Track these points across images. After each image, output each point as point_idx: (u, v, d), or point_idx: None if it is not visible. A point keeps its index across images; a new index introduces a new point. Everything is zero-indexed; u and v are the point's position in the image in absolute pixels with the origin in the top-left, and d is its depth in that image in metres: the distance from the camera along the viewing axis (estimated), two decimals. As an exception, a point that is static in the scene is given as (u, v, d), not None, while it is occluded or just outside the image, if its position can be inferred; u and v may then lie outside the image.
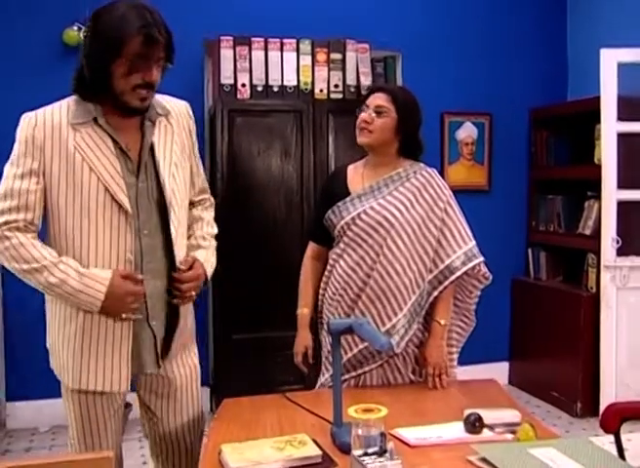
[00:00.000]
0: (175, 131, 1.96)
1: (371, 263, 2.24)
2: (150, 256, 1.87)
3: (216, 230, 2.12)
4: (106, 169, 1.80)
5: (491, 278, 2.34)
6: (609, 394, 3.86)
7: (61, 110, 1.82)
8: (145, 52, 1.74)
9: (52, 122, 1.79)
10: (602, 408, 3.80)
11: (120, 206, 1.80)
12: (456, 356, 2.43)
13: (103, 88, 1.78)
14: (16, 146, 1.80)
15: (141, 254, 1.85)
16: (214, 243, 2.09)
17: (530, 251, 4.60)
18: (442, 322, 2.30)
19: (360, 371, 2.31)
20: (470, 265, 2.27)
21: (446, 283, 2.27)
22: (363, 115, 2.27)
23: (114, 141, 1.83)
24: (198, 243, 2.03)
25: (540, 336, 4.39)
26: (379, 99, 2.27)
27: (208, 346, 4.12)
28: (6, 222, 1.76)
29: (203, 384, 4.21)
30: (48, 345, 1.93)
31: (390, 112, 2.25)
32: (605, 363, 3.87)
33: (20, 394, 3.83)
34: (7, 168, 1.80)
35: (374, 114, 2.25)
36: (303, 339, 2.45)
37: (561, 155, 4.49)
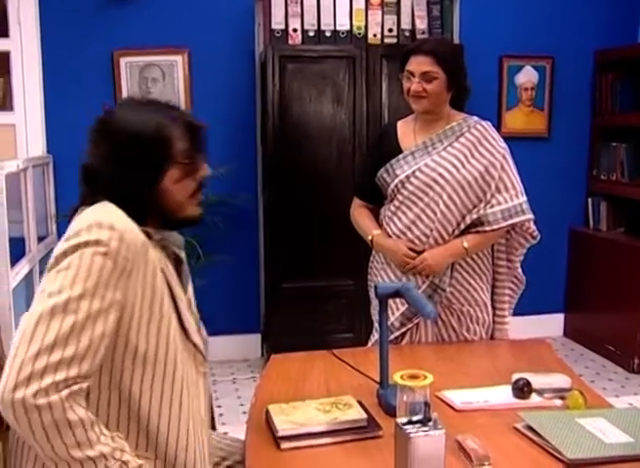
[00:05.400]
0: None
1: (428, 222, 2.20)
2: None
3: None
4: (182, 299, 1.44)
5: (539, 237, 2.28)
6: (667, 350, 3.76)
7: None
8: (194, 145, 1.42)
9: (138, 235, 1.32)
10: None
11: (195, 346, 1.45)
12: (508, 318, 2.38)
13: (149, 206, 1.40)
14: (85, 268, 1.23)
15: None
16: None
17: (590, 200, 4.44)
18: (465, 244, 2.20)
19: (416, 321, 2.27)
20: (515, 220, 2.20)
21: (486, 228, 2.18)
22: (414, 87, 2.17)
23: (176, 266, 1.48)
24: None
25: (598, 289, 4.28)
26: (423, 65, 2.15)
27: (259, 294, 4.17)
28: (65, 382, 1.18)
29: (254, 331, 4.31)
30: None
31: (439, 74, 2.15)
32: (664, 318, 3.76)
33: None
34: (68, 295, 1.21)
35: (423, 82, 2.16)
36: (396, 243, 2.25)
37: (627, 101, 4.24)
